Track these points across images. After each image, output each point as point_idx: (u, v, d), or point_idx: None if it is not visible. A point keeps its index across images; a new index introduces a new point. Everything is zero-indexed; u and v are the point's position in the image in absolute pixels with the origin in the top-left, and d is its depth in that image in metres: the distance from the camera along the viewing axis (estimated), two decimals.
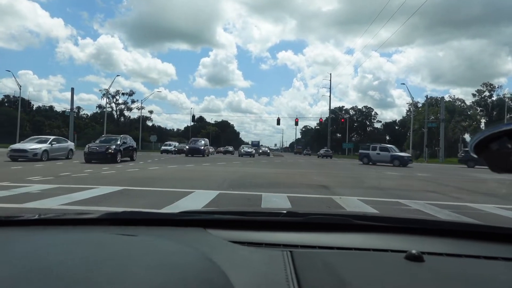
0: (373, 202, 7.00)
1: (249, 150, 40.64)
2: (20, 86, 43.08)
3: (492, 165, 0.73)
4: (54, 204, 5.74)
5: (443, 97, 50.61)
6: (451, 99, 70.56)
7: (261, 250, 0.86)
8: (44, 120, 76.36)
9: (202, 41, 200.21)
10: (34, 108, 77.50)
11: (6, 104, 64.71)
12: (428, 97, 56.11)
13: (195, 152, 30.68)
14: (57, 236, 0.68)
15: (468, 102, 69.75)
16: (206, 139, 35.86)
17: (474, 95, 68.00)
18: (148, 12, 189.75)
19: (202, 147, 31.21)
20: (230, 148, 49.12)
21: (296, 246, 0.91)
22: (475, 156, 0.77)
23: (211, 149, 41.63)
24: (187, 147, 31.89)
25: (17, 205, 5.59)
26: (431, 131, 50.80)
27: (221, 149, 58.52)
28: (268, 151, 52.59)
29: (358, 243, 0.98)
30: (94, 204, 5.78)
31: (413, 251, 0.83)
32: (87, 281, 0.45)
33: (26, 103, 46.50)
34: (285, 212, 1.16)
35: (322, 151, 51.93)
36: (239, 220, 1.12)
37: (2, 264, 0.48)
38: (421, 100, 73.52)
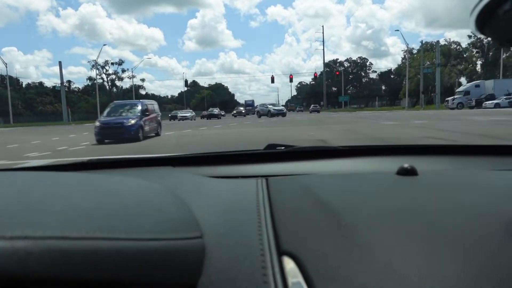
0: None
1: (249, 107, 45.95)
2: (6, 64, 42.05)
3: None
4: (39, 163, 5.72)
5: (438, 41, 49.60)
6: (446, 43, 69.32)
7: (233, 181, 0.77)
8: (36, 97, 75.19)
9: (187, 2, 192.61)
10: (23, 86, 76.14)
11: None
12: (423, 42, 55.12)
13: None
14: (20, 179, 0.61)
15: (463, 45, 68.62)
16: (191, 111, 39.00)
17: (469, 36, 66.54)
18: None
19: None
20: (216, 111, 38.15)
21: (275, 176, 0.82)
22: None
23: (191, 114, 42.92)
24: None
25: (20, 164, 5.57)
26: (427, 77, 50.37)
27: (205, 113, 46.51)
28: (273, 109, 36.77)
29: (344, 168, 0.89)
30: None
31: (405, 165, 0.74)
32: (33, 206, 0.41)
33: (14, 81, 45.59)
34: (266, 146, 1.07)
35: (311, 107, 57.63)
36: (213, 155, 1.02)
37: None
38: (416, 46, 72.37)
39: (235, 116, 40.75)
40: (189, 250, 0.42)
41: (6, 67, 42.00)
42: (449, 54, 62.77)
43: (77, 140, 13.89)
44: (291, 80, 59.28)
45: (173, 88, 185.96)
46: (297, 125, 17.91)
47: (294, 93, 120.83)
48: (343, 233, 0.48)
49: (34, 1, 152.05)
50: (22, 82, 72.35)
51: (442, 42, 65.33)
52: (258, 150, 1.04)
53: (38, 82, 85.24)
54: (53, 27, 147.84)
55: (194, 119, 39.95)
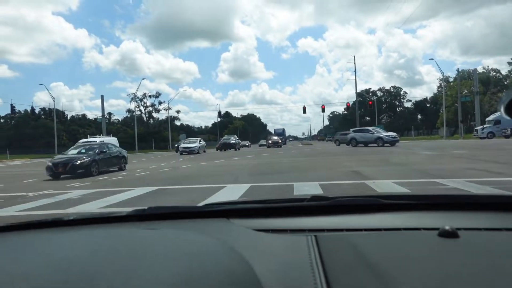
0: (408, 184, 6.81)
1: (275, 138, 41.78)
2: (54, 98, 45.02)
3: None
4: (94, 207, 5.98)
5: (475, 69, 48.35)
6: (485, 70, 67.23)
7: (284, 236, 0.82)
8: (79, 129, 79.46)
9: (221, 37, 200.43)
10: (68, 118, 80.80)
11: (43, 117, 67.86)
12: (460, 70, 53.71)
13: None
14: (84, 234, 0.69)
15: (503, 72, 66.20)
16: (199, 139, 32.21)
17: (510, 63, 64.35)
18: (166, 13, 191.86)
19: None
20: (233, 139, 33.63)
21: (322, 230, 0.87)
22: (507, 117, 0.71)
23: (198, 144, 29.88)
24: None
25: (60, 211, 5.86)
26: (466, 105, 48.69)
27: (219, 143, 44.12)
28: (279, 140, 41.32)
29: (387, 223, 0.92)
30: (130, 205, 5.97)
31: (447, 227, 0.77)
32: (108, 274, 0.46)
33: (60, 114, 48.63)
34: (309, 197, 1.11)
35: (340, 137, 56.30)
36: (262, 208, 1.08)
37: (38, 265, 0.50)
38: (451, 74, 70.48)
39: (268, 147, 38.15)
40: None
41: (54, 101, 44.96)
42: (488, 82, 60.68)
43: (117, 170, 14.43)
44: (323, 110, 58.89)
45: (207, 118, 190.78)
46: (330, 155, 17.70)
47: (327, 122, 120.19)
48: None
49: (80, 39, 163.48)
50: (67, 115, 76.96)
51: (479, 69, 63.54)
52: (304, 203, 1.09)
53: (82, 115, 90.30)
54: (96, 63, 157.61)
55: (204, 151, 31.35)
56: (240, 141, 36.63)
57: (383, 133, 27.56)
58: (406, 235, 0.84)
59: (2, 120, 79.77)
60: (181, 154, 26.76)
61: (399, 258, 0.67)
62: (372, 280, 0.56)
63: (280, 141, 42.90)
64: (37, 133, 67.15)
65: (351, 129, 31.67)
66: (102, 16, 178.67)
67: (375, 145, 26.01)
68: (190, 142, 30.44)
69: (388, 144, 25.59)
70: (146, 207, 1.08)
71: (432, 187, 6.40)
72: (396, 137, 27.09)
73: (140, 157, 27.22)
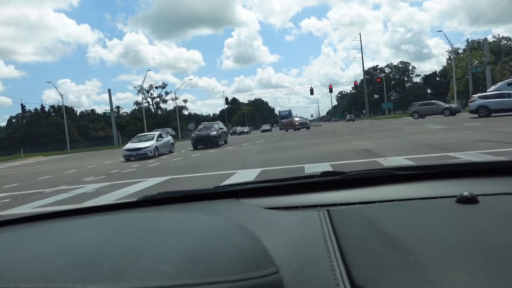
0: (421, 159, 6.74)
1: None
2: (62, 95, 45.36)
3: None
4: (109, 200, 6.06)
5: (486, 38, 46.87)
6: (495, 39, 65.43)
7: (296, 213, 0.80)
8: (88, 124, 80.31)
9: (223, 23, 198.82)
10: (77, 114, 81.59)
11: (53, 114, 68.64)
12: (469, 40, 52.27)
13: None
14: (90, 221, 0.68)
15: None
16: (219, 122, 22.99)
17: None
18: (166, 2, 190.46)
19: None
20: (214, 130, 23.35)
21: (334, 204, 0.84)
22: None
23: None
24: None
25: (76, 205, 5.97)
26: (476, 77, 47.67)
27: (237, 129, 55.15)
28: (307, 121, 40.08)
29: (402, 194, 0.88)
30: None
31: (465, 193, 0.73)
32: (112, 255, 0.46)
33: (69, 110, 49.12)
34: (319, 173, 1.08)
35: (347, 117, 58.46)
36: (272, 186, 1.06)
37: (40, 249, 0.49)
38: (461, 46, 68.91)
39: (262, 132, 37.80)
40: (270, 286, 0.44)
41: (62, 98, 45.32)
42: (500, 51, 59.10)
43: (129, 163, 14.60)
44: (330, 91, 58.27)
45: (214, 106, 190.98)
46: (339, 135, 17.59)
47: (335, 103, 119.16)
48: (413, 267, 0.48)
49: (84, 35, 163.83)
50: (76, 111, 77.70)
51: (490, 39, 61.86)
52: (315, 178, 1.06)
53: (90, 110, 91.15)
54: (100, 58, 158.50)
55: (225, 141, 25.06)
56: (224, 128, 22.77)
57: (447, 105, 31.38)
58: (423, 204, 0.80)
59: (14, 120, 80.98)
60: (127, 160, 15.90)
61: (417, 228, 0.64)
62: (389, 251, 0.54)
63: (308, 122, 39.37)
64: (48, 130, 68.19)
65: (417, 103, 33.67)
66: (103, 10, 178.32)
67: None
68: (141, 141, 17.67)
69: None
70: (156, 193, 1.08)
71: (445, 160, 6.32)
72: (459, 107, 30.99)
73: None
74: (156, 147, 17.37)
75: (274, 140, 20.07)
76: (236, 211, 0.85)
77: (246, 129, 56.35)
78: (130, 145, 17.50)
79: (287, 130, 37.08)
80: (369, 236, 0.61)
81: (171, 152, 18.80)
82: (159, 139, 18.24)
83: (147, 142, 17.45)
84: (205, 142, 19.32)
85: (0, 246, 0.51)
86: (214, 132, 19.90)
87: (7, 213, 6.01)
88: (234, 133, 52.23)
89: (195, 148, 19.25)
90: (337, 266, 0.51)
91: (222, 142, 20.86)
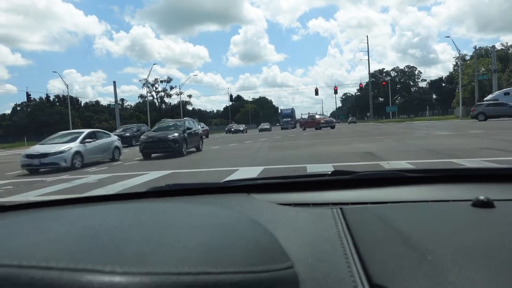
0: (424, 164, 6.74)
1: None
2: (67, 85, 45.47)
3: None
4: (111, 191, 6.10)
5: (494, 46, 46.64)
6: (503, 47, 64.99)
7: (308, 209, 0.80)
8: (93, 115, 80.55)
9: (230, 19, 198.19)
10: (82, 105, 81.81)
11: (58, 104, 68.80)
12: (477, 47, 52.03)
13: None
14: (106, 208, 0.69)
15: None
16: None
17: None
18: None
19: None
20: (176, 131, 13.28)
21: (346, 203, 0.84)
22: None
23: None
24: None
25: (78, 195, 6.00)
26: (483, 84, 47.42)
27: (232, 127, 50.64)
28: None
29: (414, 196, 0.88)
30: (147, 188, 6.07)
31: (481, 197, 0.72)
32: (136, 241, 0.46)
33: (74, 101, 49.05)
34: (330, 172, 1.08)
35: (349, 119, 58.39)
36: (283, 183, 1.06)
37: (63, 233, 0.49)
38: (468, 52, 68.54)
39: (318, 128, 32.99)
40: (284, 281, 0.44)
41: (67, 88, 45.41)
42: (507, 59, 58.71)
43: (132, 155, 14.64)
44: (335, 92, 58.07)
45: (218, 103, 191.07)
46: (342, 137, 17.58)
47: (339, 104, 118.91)
48: (432, 268, 0.47)
49: (92, 26, 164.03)
50: (80, 102, 77.80)
51: (498, 46, 61.50)
52: (327, 177, 1.06)
53: (95, 101, 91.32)
54: (107, 49, 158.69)
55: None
56: (197, 129, 16.58)
57: None
58: (437, 206, 0.79)
59: (18, 108, 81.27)
60: (30, 172, 10.60)
61: (433, 229, 0.63)
62: (407, 251, 0.53)
63: (334, 120, 36.07)
64: (52, 120, 68.40)
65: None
66: (111, 2, 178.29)
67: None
68: (54, 142, 11.74)
69: None
70: (164, 185, 1.09)
71: (449, 167, 6.31)
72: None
73: None
74: (77, 153, 10.91)
75: (276, 140, 20.05)
76: (248, 205, 0.85)
77: (241, 127, 51.37)
78: (35, 149, 11.22)
79: (304, 129, 34.05)
80: (384, 236, 0.61)
81: (113, 160, 12.74)
82: (87, 140, 11.65)
83: (64, 145, 10.99)
84: (161, 148, 12.86)
85: (25, 227, 0.51)
86: (175, 134, 13.07)
87: (11, 199, 6.06)
88: (229, 131, 48.74)
89: (146, 156, 12.80)
90: (353, 264, 0.51)
91: (190, 149, 14.04)
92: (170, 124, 14.74)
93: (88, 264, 0.37)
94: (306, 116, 39.64)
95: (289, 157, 9.83)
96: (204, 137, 21.18)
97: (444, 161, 6.96)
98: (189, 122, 15.31)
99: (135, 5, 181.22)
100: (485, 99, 35.96)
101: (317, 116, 36.63)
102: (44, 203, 0.96)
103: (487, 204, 0.71)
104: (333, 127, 32.31)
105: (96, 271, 0.36)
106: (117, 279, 0.35)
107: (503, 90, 35.21)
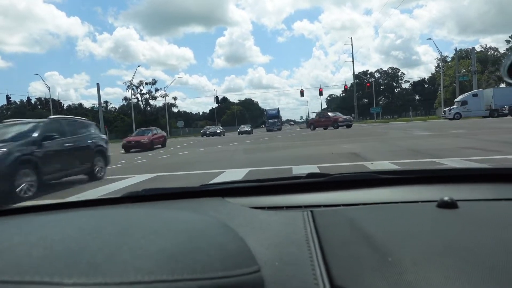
0: (406, 164, 6.85)
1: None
2: (49, 88, 44.70)
3: None
4: (94, 196, 5.98)
5: (473, 48, 47.88)
6: (482, 49, 66.74)
7: (280, 213, 0.81)
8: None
9: (215, 21, 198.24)
10: (64, 108, 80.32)
11: (39, 107, 67.36)
12: (458, 49, 53.24)
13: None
14: (70, 216, 0.67)
15: (501, 50, 65.70)
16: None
17: (508, 41, 63.81)
18: None
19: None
20: (218, 129, 23.12)
21: (318, 206, 0.85)
22: (509, 79, 0.70)
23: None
24: None
25: (58, 200, 5.86)
26: (463, 85, 48.52)
27: (207, 129, 45.78)
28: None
29: (385, 198, 0.90)
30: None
31: (445, 198, 0.75)
32: (91, 249, 0.45)
33: (56, 103, 48.23)
34: (305, 174, 1.09)
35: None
36: (257, 186, 1.06)
37: (14, 242, 0.48)
38: (449, 54, 70.12)
39: (240, 134, 32.83)
40: (248, 285, 0.44)
41: (50, 90, 44.65)
42: (486, 61, 60.32)
43: (116, 158, 14.45)
44: (320, 93, 58.37)
45: (204, 105, 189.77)
46: (328, 138, 17.71)
47: (325, 105, 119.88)
48: (391, 269, 0.49)
49: (74, 27, 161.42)
50: (63, 104, 76.36)
51: (477, 48, 63.11)
52: (301, 179, 1.06)
53: (78, 104, 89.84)
54: (90, 51, 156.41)
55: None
56: (159, 132, 20.23)
57: None
58: (405, 207, 0.81)
59: None
60: None
61: (397, 231, 0.65)
62: (369, 252, 0.54)
63: (352, 118, 33.45)
64: None
65: None
66: (94, 3, 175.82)
67: None
68: None
69: None
70: (140, 190, 1.07)
71: (431, 166, 6.42)
72: None
73: None
74: (22, 163, 6.06)
75: (251, 144, 20.04)
76: (221, 209, 0.85)
77: (218, 129, 46.90)
78: None
79: (313, 129, 31.25)
80: (350, 238, 0.62)
81: (92, 176, 8.14)
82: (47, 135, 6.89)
83: None
84: None
85: None
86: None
87: None
88: (205, 134, 44.20)
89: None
90: (317, 266, 0.52)
91: (57, 177, 7.16)
92: (13, 128, 7.22)
93: (35, 276, 0.36)
94: (314, 115, 36.94)
95: (274, 158, 9.84)
96: (159, 146, 20.28)
97: (426, 161, 7.08)
98: (60, 123, 7.84)
99: (119, 6, 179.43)
100: (455, 100, 37.42)
101: (330, 114, 33.93)
102: (5, 211, 0.92)
103: (451, 204, 0.74)
104: (349, 126, 30.22)
105: (43, 283, 0.35)
106: None
107: (471, 91, 36.98)
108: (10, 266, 0.39)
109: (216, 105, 78.25)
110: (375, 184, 1.01)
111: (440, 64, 56.26)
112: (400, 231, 0.64)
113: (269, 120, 45.42)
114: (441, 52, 53.01)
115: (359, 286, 0.45)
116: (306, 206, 0.85)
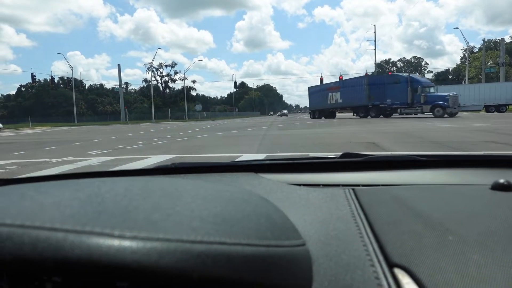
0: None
1: None
2: (72, 67, 45.35)
3: None
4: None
5: (503, 39, 46.00)
6: None
7: (319, 189, 0.77)
8: (97, 98, 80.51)
9: (236, 5, 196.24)
10: (86, 87, 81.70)
11: (62, 86, 68.73)
12: (485, 40, 51.26)
13: None
14: (113, 180, 0.68)
15: None
16: None
17: None
18: None
19: None
20: (286, 111, 27.24)
21: (357, 185, 0.81)
22: None
23: None
24: None
25: (86, 171, 6.03)
26: (490, 77, 46.91)
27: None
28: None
29: (428, 180, 0.85)
30: None
31: (501, 180, 0.70)
32: (145, 208, 0.44)
33: (79, 83, 48.96)
34: (340, 154, 1.06)
35: None
36: (292, 163, 1.03)
37: (69, 197, 0.47)
38: (476, 44, 67.54)
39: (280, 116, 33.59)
40: (297, 257, 0.42)
41: (72, 70, 45.30)
42: None
43: (135, 139, 14.69)
44: None
45: (222, 89, 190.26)
46: (347, 125, 17.50)
47: None
48: (453, 247, 0.46)
49: (96, 8, 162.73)
50: (85, 84, 77.62)
51: (507, 39, 60.64)
52: (336, 159, 1.03)
53: (99, 84, 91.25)
54: (111, 32, 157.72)
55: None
56: None
57: None
58: (453, 189, 0.76)
59: (23, 89, 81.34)
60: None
61: (452, 210, 0.61)
62: (426, 231, 0.51)
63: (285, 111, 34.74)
64: (56, 102, 68.52)
65: None
66: None
67: None
68: None
69: None
70: (170, 163, 1.07)
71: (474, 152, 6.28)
72: None
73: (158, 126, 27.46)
74: None
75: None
76: (256, 184, 0.82)
77: (286, 112, 53.49)
78: None
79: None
80: (400, 216, 0.59)
81: None
82: None
83: None
84: None
85: (29, 192, 0.49)
86: None
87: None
88: (279, 115, 44.92)
89: None
90: (369, 243, 0.49)
91: None
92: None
93: (96, 227, 0.36)
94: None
95: (292, 145, 9.81)
96: None
97: (448, 154, 6.93)
98: None
99: None
100: None
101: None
102: (51, 177, 0.95)
103: (507, 187, 0.70)
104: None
105: (105, 235, 0.34)
106: (126, 243, 0.34)
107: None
108: (68, 216, 0.39)
109: (234, 90, 78.20)
110: (416, 166, 0.97)
111: (466, 54, 54.37)
112: (455, 211, 0.61)
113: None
114: (467, 42, 51.01)
115: (420, 264, 0.43)
116: (344, 185, 0.82)
